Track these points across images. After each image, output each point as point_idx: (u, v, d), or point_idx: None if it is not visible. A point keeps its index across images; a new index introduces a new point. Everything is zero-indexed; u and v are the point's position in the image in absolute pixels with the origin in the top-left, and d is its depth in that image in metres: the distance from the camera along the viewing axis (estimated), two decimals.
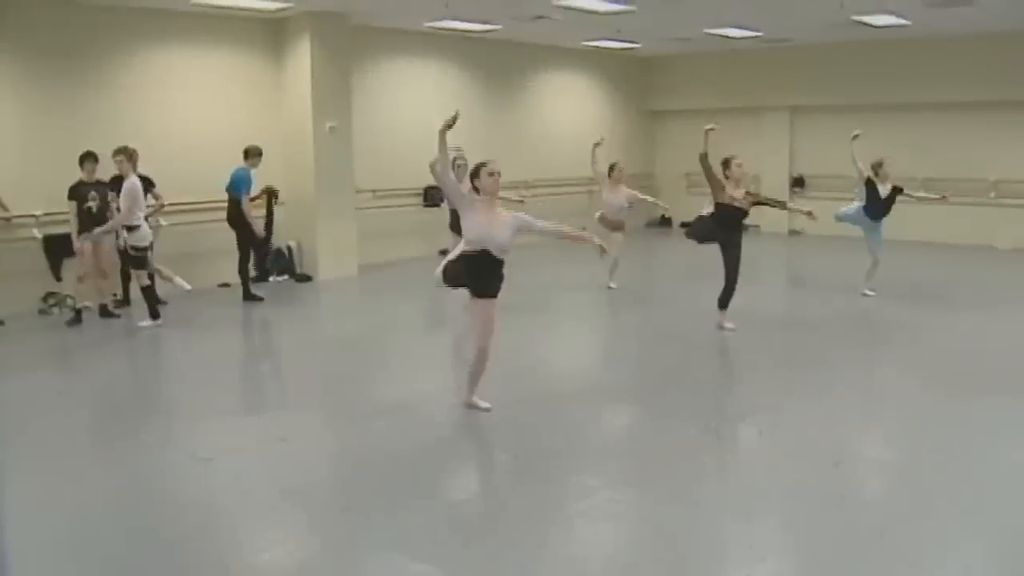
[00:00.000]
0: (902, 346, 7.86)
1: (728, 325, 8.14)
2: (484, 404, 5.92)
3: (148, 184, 9.63)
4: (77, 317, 8.88)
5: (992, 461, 5.01)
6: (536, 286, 11.03)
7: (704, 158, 7.85)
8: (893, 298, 9.63)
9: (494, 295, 5.64)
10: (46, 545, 4.05)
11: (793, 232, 15.86)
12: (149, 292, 8.74)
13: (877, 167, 9.41)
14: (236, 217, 9.90)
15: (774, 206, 8.39)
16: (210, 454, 5.27)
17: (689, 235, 8.49)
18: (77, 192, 8.83)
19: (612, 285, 10.31)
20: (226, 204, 9.95)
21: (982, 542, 4.07)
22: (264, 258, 10.95)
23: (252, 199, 10.15)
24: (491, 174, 5.52)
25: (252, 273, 10.46)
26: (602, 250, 5.80)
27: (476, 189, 5.60)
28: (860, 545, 3.99)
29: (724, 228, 7.91)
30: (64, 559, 4.02)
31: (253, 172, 10.01)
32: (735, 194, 7.78)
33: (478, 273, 5.55)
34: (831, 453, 5.16)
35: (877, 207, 9.42)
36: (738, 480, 4.87)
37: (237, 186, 9.81)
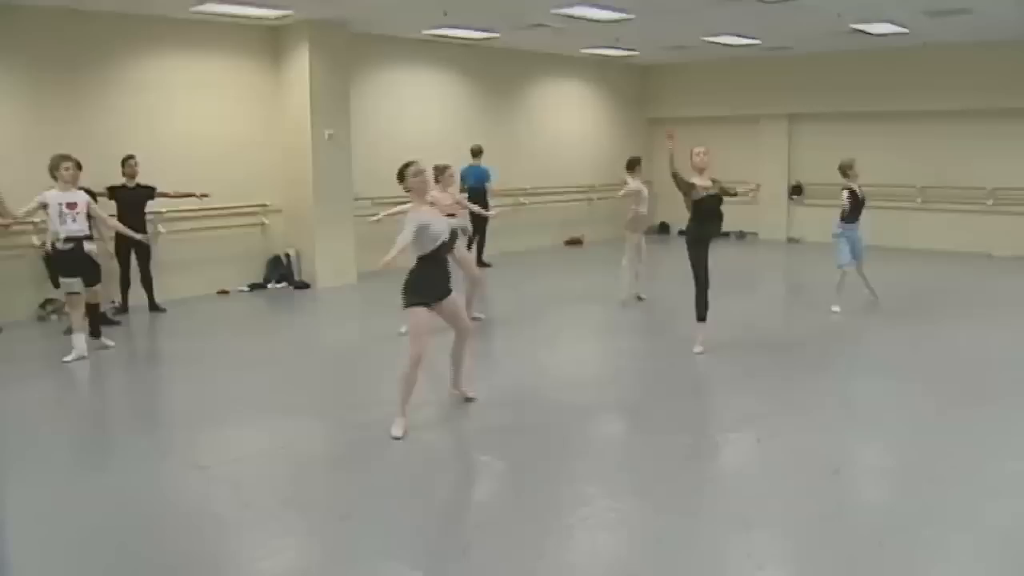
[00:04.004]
0: (900, 354, 7.87)
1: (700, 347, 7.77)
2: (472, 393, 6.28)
3: (149, 192, 9.68)
4: None
5: (991, 469, 5.02)
6: (538, 296, 11.05)
7: (675, 175, 7.60)
8: (891, 306, 9.64)
9: (452, 290, 5.83)
10: (46, 553, 4.05)
11: (791, 240, 15.90)
12: (98, 310, 8.30)
13: (847, 168, 9.33)
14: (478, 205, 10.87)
15: (731, 194, 8.09)
16: (209, 462, 5.27)
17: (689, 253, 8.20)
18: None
19: (642, 296, 10.14)
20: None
21: (981, 551, 4.07)
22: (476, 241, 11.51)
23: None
24: (416, 174, 5.59)
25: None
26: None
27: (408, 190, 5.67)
28: (859, 553, 3.99)
29: (707, 222, 7.73)
30: (63, 567, 4.01)
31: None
32: (704, 183, 7.68)
33: (441, 273, 5.72)
34: (830, 461, 5.16)
35: (859, 208, 9.39)
36: (737, 488, 4.87)
37: (489, 178, 12.29)
